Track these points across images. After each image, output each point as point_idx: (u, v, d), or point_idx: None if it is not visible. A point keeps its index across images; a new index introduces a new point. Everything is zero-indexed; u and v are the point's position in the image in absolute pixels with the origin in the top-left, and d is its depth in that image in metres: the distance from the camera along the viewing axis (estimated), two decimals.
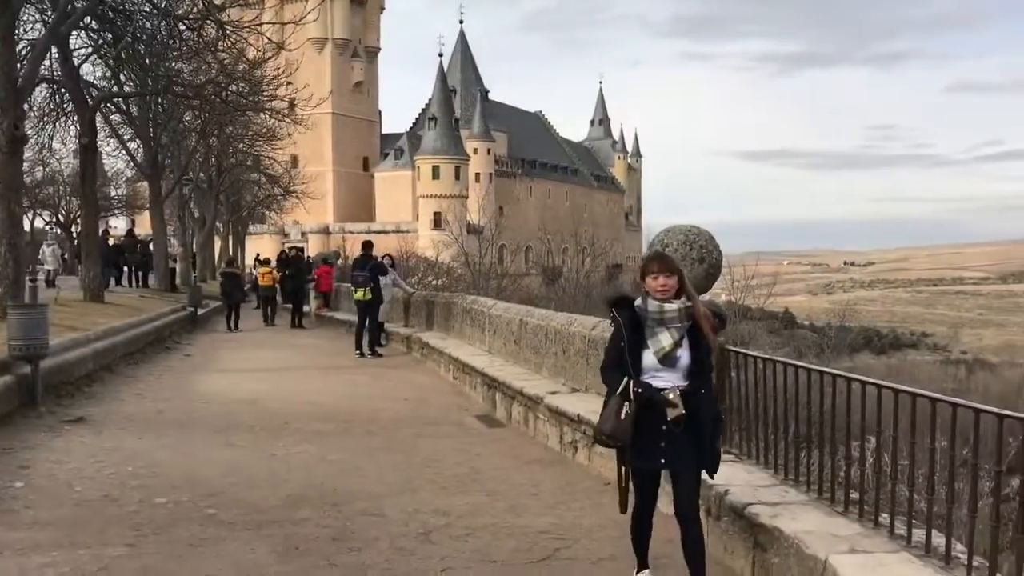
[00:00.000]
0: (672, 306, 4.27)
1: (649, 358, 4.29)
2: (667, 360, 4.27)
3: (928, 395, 4.19)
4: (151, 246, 29.91)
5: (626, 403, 4.21)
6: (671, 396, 4.22)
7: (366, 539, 5.47)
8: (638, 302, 4.35)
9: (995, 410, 3.83)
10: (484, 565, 5.05)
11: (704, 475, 4.47)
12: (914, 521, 4.32)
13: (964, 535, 4.18)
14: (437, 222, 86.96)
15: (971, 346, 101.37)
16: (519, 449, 8.27)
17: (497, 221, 74.82)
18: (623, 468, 4.44)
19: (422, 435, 8.91)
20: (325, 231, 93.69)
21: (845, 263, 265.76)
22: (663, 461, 4.30)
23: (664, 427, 4.24)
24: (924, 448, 4.31)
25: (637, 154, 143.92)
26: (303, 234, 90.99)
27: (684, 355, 4.29)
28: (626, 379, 4.23)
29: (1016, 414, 3.80)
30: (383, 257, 17.87)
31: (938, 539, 4.14)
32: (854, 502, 4.75)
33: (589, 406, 7.65)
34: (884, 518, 4.50)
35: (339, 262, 32.96)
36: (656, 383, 4.26)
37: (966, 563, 3.91)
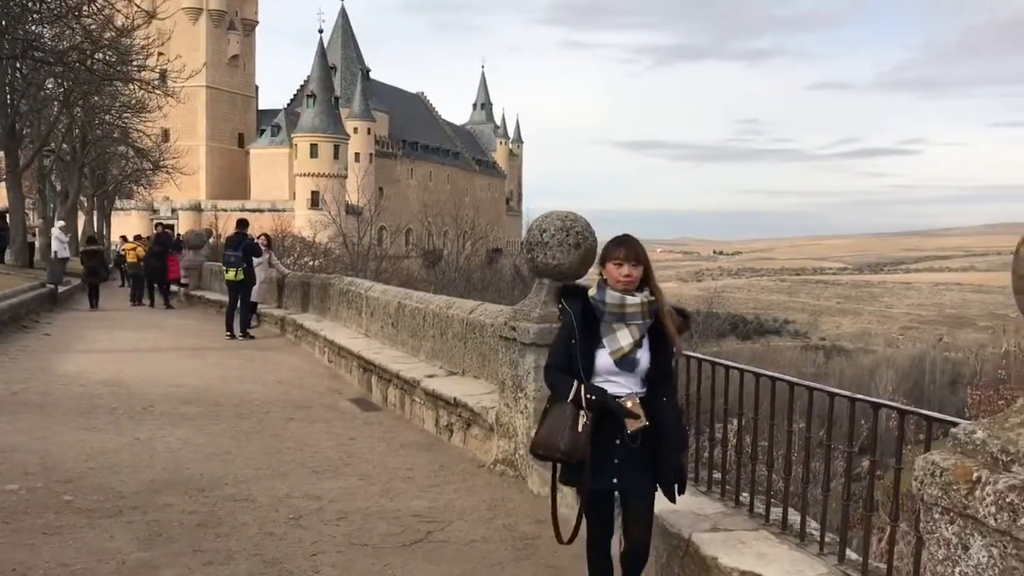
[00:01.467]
0: (634, 300, 3.69)
1: (604, 359, 3.69)
2: (624, 362, 3.67)
3: (787, 379, 4.38)
4: (7, 219, 28.27)
5: (581, 412, 3.61)
6: (629, 404, 3.64)
7: (234, 524, 5.34)
8: (593, 292, 3.77)
9: (848, 393, 4.03)
10: (355, 549, 5.00)
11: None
12: (772, 500, 4.52)
13: (819, 512, 4.39)
14: (315, 202, 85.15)
15: (829, 333, 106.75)
16: (394, 432, 8.22)
17: (377, 202, 73.87)
18: (556, 489, 3.86)
19: (294, 419, 8.75)
20: (197, 208, 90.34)
21: (714, 252, 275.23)
22: (615, 481, 3.69)
23: (618, 440, 3.66)
24: (783, 430, 4.51)
25: (518, 140, 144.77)
26: (173, 211, 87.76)
27: (644, 357, 3.71)
28: (576, 383, 3.64)
29: (867, 397, 4.01)
30: (259, 237, 17.42)
31: (794, 517, 4.34)
32: (717, 482, 4.93)
33: (466, 389, 7.69)
34: (745, 497, 4.69)
35: (210, 240, 31.87)
36: (610, 389, 3.67)
37: (819, 539, 4.12)
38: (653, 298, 3.74)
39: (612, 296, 3.70)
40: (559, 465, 3.76)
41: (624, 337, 3.68)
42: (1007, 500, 2.48)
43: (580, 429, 3.59)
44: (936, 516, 2.73)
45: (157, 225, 30.55)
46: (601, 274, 3.79)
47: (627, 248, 3.75)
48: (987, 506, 2.54)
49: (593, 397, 3.61)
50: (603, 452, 3.67)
